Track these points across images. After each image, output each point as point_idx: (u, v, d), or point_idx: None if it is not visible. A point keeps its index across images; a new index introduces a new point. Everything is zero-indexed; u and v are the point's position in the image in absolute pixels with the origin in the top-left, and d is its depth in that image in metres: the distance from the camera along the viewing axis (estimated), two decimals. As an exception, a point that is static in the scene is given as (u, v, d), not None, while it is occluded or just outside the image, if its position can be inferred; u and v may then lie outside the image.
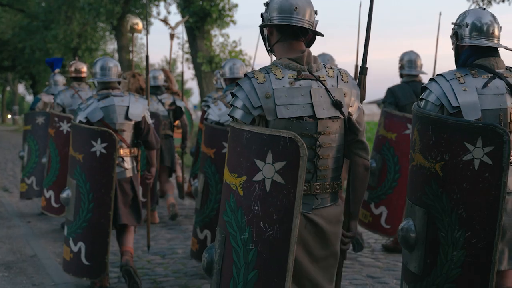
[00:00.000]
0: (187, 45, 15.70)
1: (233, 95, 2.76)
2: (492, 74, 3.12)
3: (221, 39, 16.03)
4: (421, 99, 3.15)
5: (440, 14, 7.42)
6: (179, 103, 7.65)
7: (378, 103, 33.55)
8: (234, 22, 15.12)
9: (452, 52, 3.32)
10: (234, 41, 15.54)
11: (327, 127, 2.75)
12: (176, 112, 7.61)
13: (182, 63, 9.58)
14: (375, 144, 5.92)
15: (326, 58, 5.93)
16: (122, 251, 4.89)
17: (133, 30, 6.95)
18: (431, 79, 3.17)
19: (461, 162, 2.82)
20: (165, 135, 7.44)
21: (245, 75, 2.77)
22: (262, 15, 2.86)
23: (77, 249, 4.68)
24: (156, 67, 29.28)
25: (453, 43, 3.27)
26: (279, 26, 2.79)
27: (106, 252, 4.65)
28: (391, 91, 5.99)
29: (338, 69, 2.88)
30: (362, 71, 3.06)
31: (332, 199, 2.83)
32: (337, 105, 2.77)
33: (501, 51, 3.24)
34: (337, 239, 2.85)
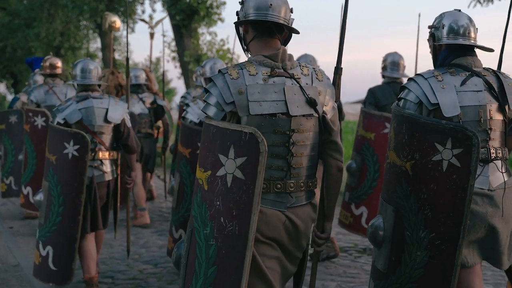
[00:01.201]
0: (173, 43, 15.58)
1: (206, 91, 2.77)
2: (470, 72, 3.14)
3: (208, 38, 15.90)
4: (400, 99, 3.17)
5: (419, 15, 7.46)
6: (160, 102, 7.65)
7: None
8: (222, 20, 14.96)
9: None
10: (222, 40, 15.41)
11: (301, 124, 2.75)
12: (157, 111, 7.60)
13: (163, 62, 9.54)
14: (355, 145, 5.93)
15: (309, 59, 5.96)
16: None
17: (111, 28, 6.90)
18: (409, 79, 3.20)
19: (430, 162, 2.83)
20: (145, 133, 7.42)
21: (219, 71, 2.78)
22: (237, 13, 2.87)
23: (45, 253, 4.59)
24: (140, 66, 29.15)
25: (430, 46, 3.32)
26: (254, 23, 2.80)
27: (73, 258, 4.56)
28: (371, 91, 6.01)
29: (313, 68, 2.89)
30: (336, 71, 3.07)
31: (307, 198, 2.84)
32: (311, 103, 2.77)
33: (478, 52, 3.28)
34: (306, 236, 2.86)
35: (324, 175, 2.93)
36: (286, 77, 2.77)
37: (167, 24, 22.95)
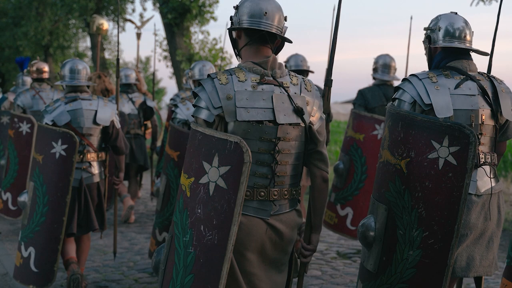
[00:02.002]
0: (165, 42, 15.46)
1: (195, 95, 2.76)
2: (464, 76, 3.15)
3: (201, 37, 15.77)
4: (395, 99, 3.17)
5: (411, 18, 7.49)
6: (150, 103, 7.65)
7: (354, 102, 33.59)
8: (214, 19, 14.83)
9: (422, 52, 3.36)
10: (215, 39, 15.25)
11: (287, 133, 2.75)
12: (147, 112, 7.58)
13: (154, 62, 9.48)
14: (343, 145, 5.92)
15: (299, 59, 5.95)
16: (69, 258, 4.70)
17: (98, 30, 6.86)
18: (404, 79, 3.20)
19: (426, 160, 2.82)
20: (135, 134, 7.40)
21: (208, 75, 2.77)
22: (231, 18, 2.86)
23: (27, 255, 4.49)
24: (129, 66, 28.99)
25: (425, 48, 3.32)
26: (247, 30, 2.79)
27: (56, 260, 4.46)
28: (361, 93, 6.01)
29: (303, 78, 2.89)
30: (327, 83, 3.07)
31: (291, 206, 2.83)
32: (299, 112, 2.77)
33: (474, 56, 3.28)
34: (291, 242, 2.84)
35: (310, 186, 2.92)
36: (275, 85, 2.76)
37: (158, 23, 22.81)
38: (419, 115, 2.92)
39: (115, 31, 24.69)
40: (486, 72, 3.50)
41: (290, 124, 2.75)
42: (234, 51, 2.91)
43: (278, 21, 2.78)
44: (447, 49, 3.21)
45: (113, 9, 19.91)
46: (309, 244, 2.93)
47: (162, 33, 15.80)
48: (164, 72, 49.38)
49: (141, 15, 19.70)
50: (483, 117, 3.14)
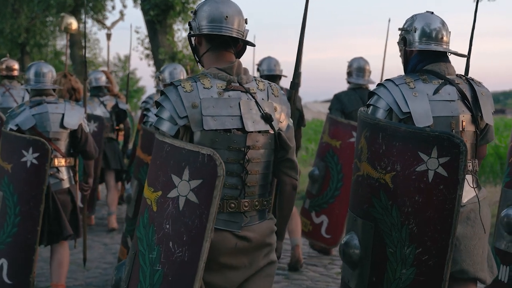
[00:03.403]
0: (147, 40, 15.17)
1: (158, 104, 2.62)
2: (443, 80, 2.99)
3: (184, 34, 15.36)
4: (369, 105, 3.00)
5: (389, 20, 7.39)
6: (122, 105, 7.48)
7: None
8: (199, 16, 14.57)
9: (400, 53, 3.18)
10: (199, 37, 14.99)
11: (256, 141, 2.63)
12: (119, 115, 7.43)
13: (129, 62, 9.27)
14: (319, 151, 5.82)
15: (272, 63, 5.79)
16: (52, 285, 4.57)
17: (67, 30, 6.69)
18: (379, 84, 3.03)
19: (413, 173, 2.67)
20: (108, 138, 7.24)
21: (171, 83, 2.64)
22: (189, 24, 2.73)
23: (-1, 266, 4.33)
24: (108, 64, 28.62)
25: (400, 50, 3.15)
26: (208, 36, 2.67)
27: (31, 270, 4.30)
28: (337, 97, 5.88)
29: (269, 83, 2.77)
30: (293, 86, 2.93)
31: (261, 217, 2.70)
32: (267, 118, 2.65)
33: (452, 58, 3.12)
34: (268, 244, 2.72)
35: (277, 192, 2.81)
36: (241, 91, 2.66)
37: (140, 20, 22.47)
38: (402, 125, 2.78)
39: (94, 29, 24.35)
40: (463, 73, 3.36)
41: (259, 132, 2.64)
42: (195, 58, 2.80)
43: (238, 24, 2.68)
44: (424, 52, 3.05)
45: (92, 6, 19.61)
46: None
47: (144, 30, 15.36)
48: (146, 71, 49.04)
49: (121, 13, 19.42)
50: (464, 123, 2.98)
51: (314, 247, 6.08)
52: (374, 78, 6.07)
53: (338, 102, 5.81)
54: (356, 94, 5.86)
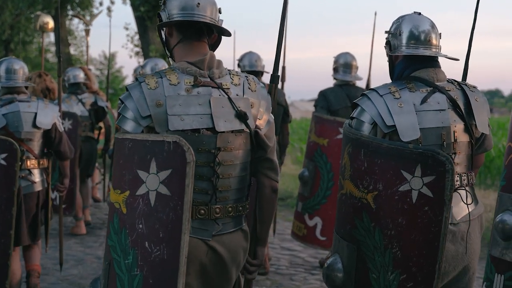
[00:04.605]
0: (137, 37, 14.89)
1: (121, 102, 2.42)
2: (431, 88, 2.75)
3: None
4: (352, 118, 2.78)
5: (375, 14, 7.18)
6: (101, 103, 7.24)
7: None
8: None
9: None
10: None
11: (228, 142, 2.43)
12: (98, 112, 7.19)
13: (109, 59, 9.02)
14: (307, 151, 5.65)
15: (254, 59, 5.59)
16: (28, 269, 4.45)
17: (42, 29, 6.47)
18: (362, 95, 2.80)
19: (396, 193, 2.47)
20: (86, 137, 7.02)
21: (136, 79, 2.46)
22: (159, 15, 2.54)
23: (-29, 273, 4.15)
24: (94, 63, 28.46)
25: (387, 54, 2.92)
26: (179, 25, 2.48)
27: (7, 276, 4.11)
28: (323, 94, 5.68)
29: (246, 76, 2.56)
30: (273, 80, 2.73)
31: (236, 224, 2.52)
32: (241, 116, 2.44)
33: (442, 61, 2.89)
34: (237, 267, 2.56)
35: (256, 195, 2.63)
36: (212, 87, 2.45)
37: (129, 16, 22.24)
38: (384, 141, 2.56)
39: (81, 26, 23.94)
40: (461, 77, 3.15)
41: (232, 132, 2.44)
42: (166, 53, 2.61)
43: (211, 12, 2.49)
44: (411, 57, 2.81)
45: (79, 2, 19.34)
46: (255, 258, 2.67)
47: (133, 26, 15.06)
48: (130, 68, 48.65)
49: (108, 9, 19.15)
50: (456, 133, 2.75)
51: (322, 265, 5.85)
52: (362, 75, 5.86)
53: (324, 99, 5.64)
54: (342, 91, 5.69)
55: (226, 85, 2.46)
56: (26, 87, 4.58)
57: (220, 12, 2.53)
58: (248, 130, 2.46)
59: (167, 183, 2.23)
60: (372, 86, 6.70)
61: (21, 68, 4.50)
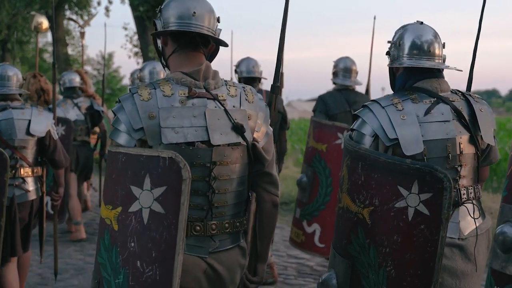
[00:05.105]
0: (136, 37, 14.79)
1: (114, 114, 2.36)
2: (435, 98, 2.69)
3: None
4: (353, 130, 2.72)
5: (374, 18, 7.14)
6: (97, 107, 7.18)
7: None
8: (191, 12, 14.24)
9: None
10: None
11: (224, 155, 2.35)
12: (94, 117, 7.13)
13: (104, 62, 8.95)
14: (306, 157, 5.58)
15: (251, 65, 5.53)
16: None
17: (37, 29, 6.38)
18: (364, 106, 2.74)
19: (392, 209, 2.38)
20: (81, 141, 6.96)
21: (129, 90, 2.37)
22: (154, 23, 2.47)
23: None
24: (91, 63, 28.34)
25: (388, 64, 2.86)
26: (174, 35, 2.41)
27: None
28: (321, 99, 5.65)
29: (243, 87, 2.48)
30: (273, 90, 2.67)
31: (233, 240, 2.44)
32: (238, 129, 2.37)
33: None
34: (233, 285, 2.49)
35: (257, 210, 2.55)
36: (208, 98, 2.37)
37: (128, 16, 22.12)
38: (382, 155, 2.49)
39: (76, 26, 23.79)
40: (465, 86, 3.11)
41: (229, 145, 2.36)
42: (161, 62, 2.53)
43: (208, 22, 2.42)
44: (413, 67, 2.75)
45: (77, 1, 19.24)
46: (255, 275, 2.59)
47: (132, 27, 14.87)
48: (127, 69, 48.53)
49: (106, 9, 19.06)
50: (462, 145, 2.68)
51: None
52: (361, 78, 5.82)
53: (322, 104, 5.60)
54: (341, 96, 5.66)
55: (222, 96, 2.40)
56: (21, 94, 4.48)
57: (218, 21, 2.46)
58: (245, 143, 2.39)
59: (161, 200, 2.15)
60: (372, 90, 6.69)
61: (14, 75, 4.40)
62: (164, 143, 2.27)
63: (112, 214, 2.26)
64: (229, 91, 2.42)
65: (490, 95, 75.75)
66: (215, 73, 2.43)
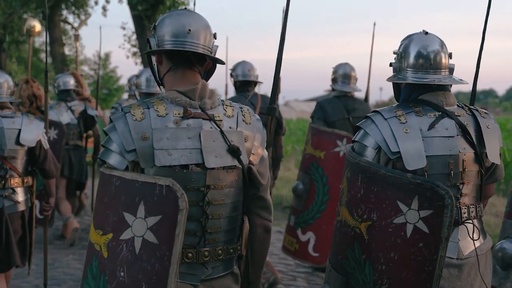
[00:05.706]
0: (134, 37, 14.69)
1: (106, 133, 2.26)
2: (440, 112, 2.60)
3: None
4: (354, 141, 2.63)
5: (374, 24, 7.11)
6: (91, 111, 7.07)
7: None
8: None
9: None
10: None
11: (219, 179, 2.27)
12: (88, 121, 7.02)
13: (99, 62, 8.85)
14: (302, 164, 5.52)
15: (247, 68, 5.45)
16: None
17: (29, 32, 6.31)
18: (366, 117, 2.66)
19: (390, 225, 2.30)
20: (74, 145, 6.88)
21: (122, 109, 2.28)
22: (148, 40, 2.39)
23: None
24: (88, 63, 28.19)
25: (393, 73, 2.76)
26: (169, 53, 2.33)
27: None
28: (320, 106, 5.58)
29: (241, 108, 2.40)
30: (269, 112, 2.57)
31: (226, 267, 2.35)
32: (234, 152, 2.28)
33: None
34: None
35: (249, 235, 2.46)
36: (204, 119, 2.29)
37: (127, 15, 21.98)
38: (382, 168, 2.40)
39: (75, 25, 23.66)
40: (466, 75, 2.99)
41: (224, 168, 2.27)
42: (156, 80, 2.44)
43: (204, 39, 2.34)
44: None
45: (74, 1, 19.11)
46: None
47: (131, 26, 14.72)
48: (131, 69, 48.30)
49: (104, 8, 18.97)
50: (465, 162, 2.60)
51: None
52: (360, 81, 5.74)
53: (321, 111, 5.54)
54: (340, 103, 5.60)
55: (219, 116, 2.31)
56: (11, 103, 4.38)
57: (215, 38, 2.38)
58: (240, 166, 2.31)
59: (155, 230, 2.06)
60: (371, 95, 6.62)
61: (5, 82, 4.28)
62: (157, 166, 2.18)
63: (102, 240, 2.17)
64: (226, 111, 2.34)
65: (487, 95, 75.88)
66: (212, 92, 2.35)
